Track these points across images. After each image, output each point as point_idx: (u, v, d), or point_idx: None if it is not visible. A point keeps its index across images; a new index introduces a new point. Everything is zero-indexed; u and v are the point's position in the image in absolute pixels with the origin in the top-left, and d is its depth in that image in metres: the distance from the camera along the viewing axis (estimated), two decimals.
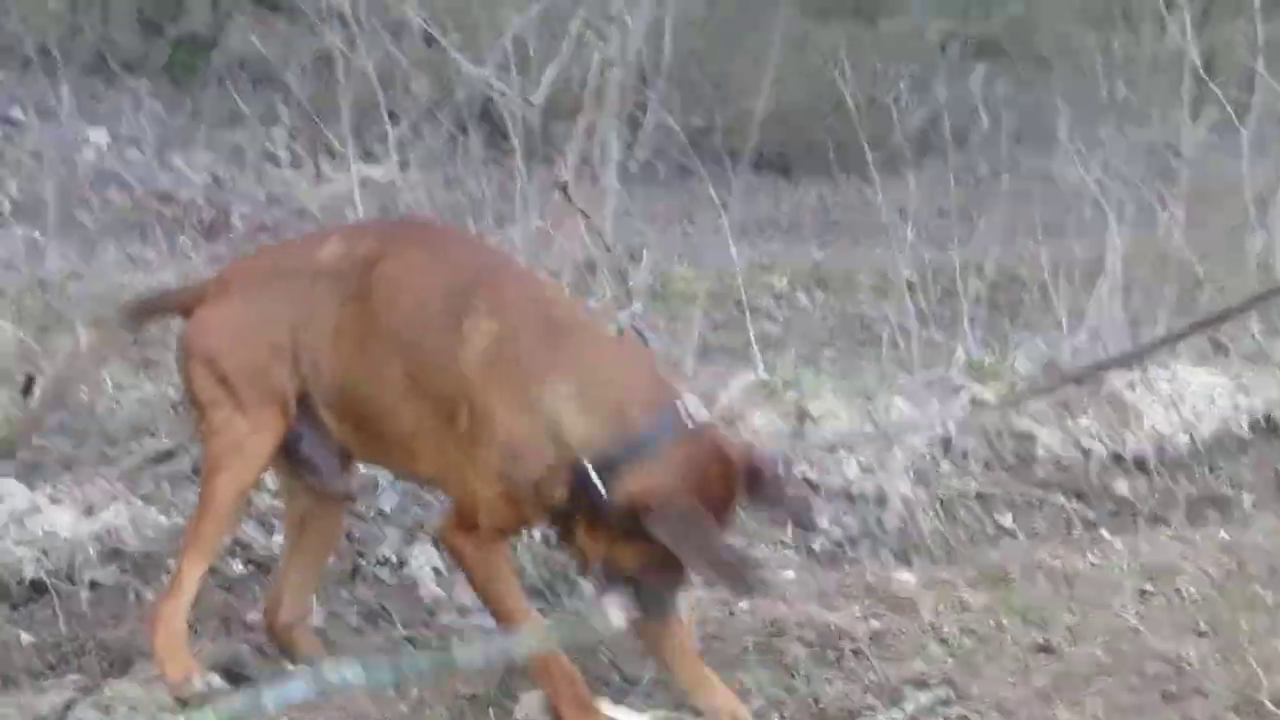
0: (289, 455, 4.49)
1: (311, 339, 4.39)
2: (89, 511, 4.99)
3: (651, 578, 4.04)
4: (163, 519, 5.06)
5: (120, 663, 4.53)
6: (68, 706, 4.19)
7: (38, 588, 4.82)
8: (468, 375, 4.15)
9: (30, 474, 5.04)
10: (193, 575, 4.39)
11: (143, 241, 7.56)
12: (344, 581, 5.07)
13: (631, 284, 5.93)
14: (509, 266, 4.60)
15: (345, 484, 4.57)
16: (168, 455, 5.34)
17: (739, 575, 4.00)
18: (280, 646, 4.62)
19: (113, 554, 4.90)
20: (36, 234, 6.67)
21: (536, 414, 4.07)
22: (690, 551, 3.95)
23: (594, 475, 4.01)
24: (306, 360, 4.39)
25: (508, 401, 4.10)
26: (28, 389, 5.21)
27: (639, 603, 4.06)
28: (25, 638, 4.71)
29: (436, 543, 5.21)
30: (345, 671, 3.84)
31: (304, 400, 4.41)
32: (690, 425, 4.07)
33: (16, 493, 4.94)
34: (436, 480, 4.45)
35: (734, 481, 4.07)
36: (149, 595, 4.92)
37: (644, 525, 3.94)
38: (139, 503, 5.06)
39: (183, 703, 4.18)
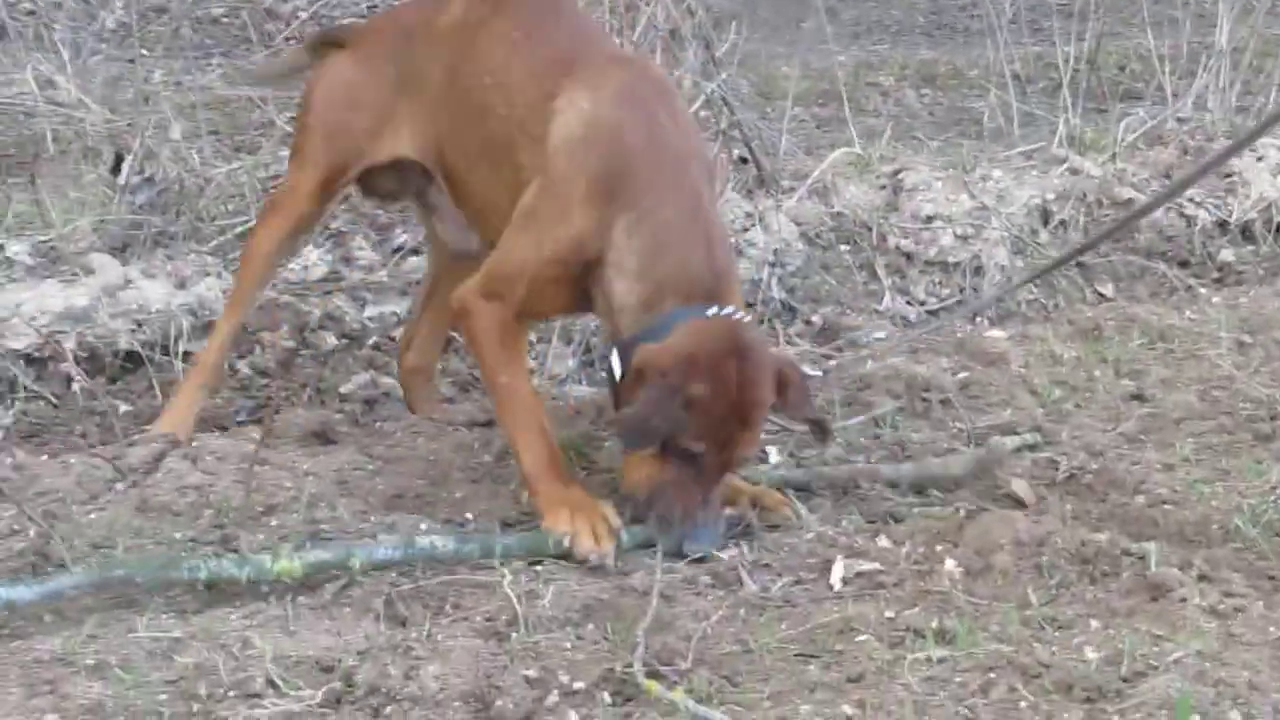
0: (420, 201, 4.61)
1: (418, 100, 4.40)
2: (181, 285, 5.06)
3: (671, 492, 3.90)
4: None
5: (210, 428, 4.61)
6: (158, 458, 4.27)
7: (133, 359, 4.90)
8: (551, 151, 4.07)
9: (123, 249, 5.10)
10: (222, 327, 4.57)
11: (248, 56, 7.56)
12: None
13: (719, 53, 5.86)
14: (609, 48, 4.53)
15: (467, 240, 4.56)
16: None
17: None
18: (402, 387, 4.83)
19: (205, 326, 4.95)
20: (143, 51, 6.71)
21: (595, 237, 3.99)
22: (691, 436, 3.83)
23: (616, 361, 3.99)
24: (410, 119, 4.42)
25: (577, 204, 4.00)
26: (116, 167, 5.28)
27: (655, 527, 3.92)
28: (123, 407, 4.81)
29: None
30: (436, 540, 3.87)
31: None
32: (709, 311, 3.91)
33: (110, 267, 5.01)
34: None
35: (753, 378, 3.88)
36: (241, 365, 4.99)
37: (647, 413, 3.81)
38: (229, 276, 5.11)
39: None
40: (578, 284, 4.06)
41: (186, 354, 4.90)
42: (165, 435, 4.37)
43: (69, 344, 4.80)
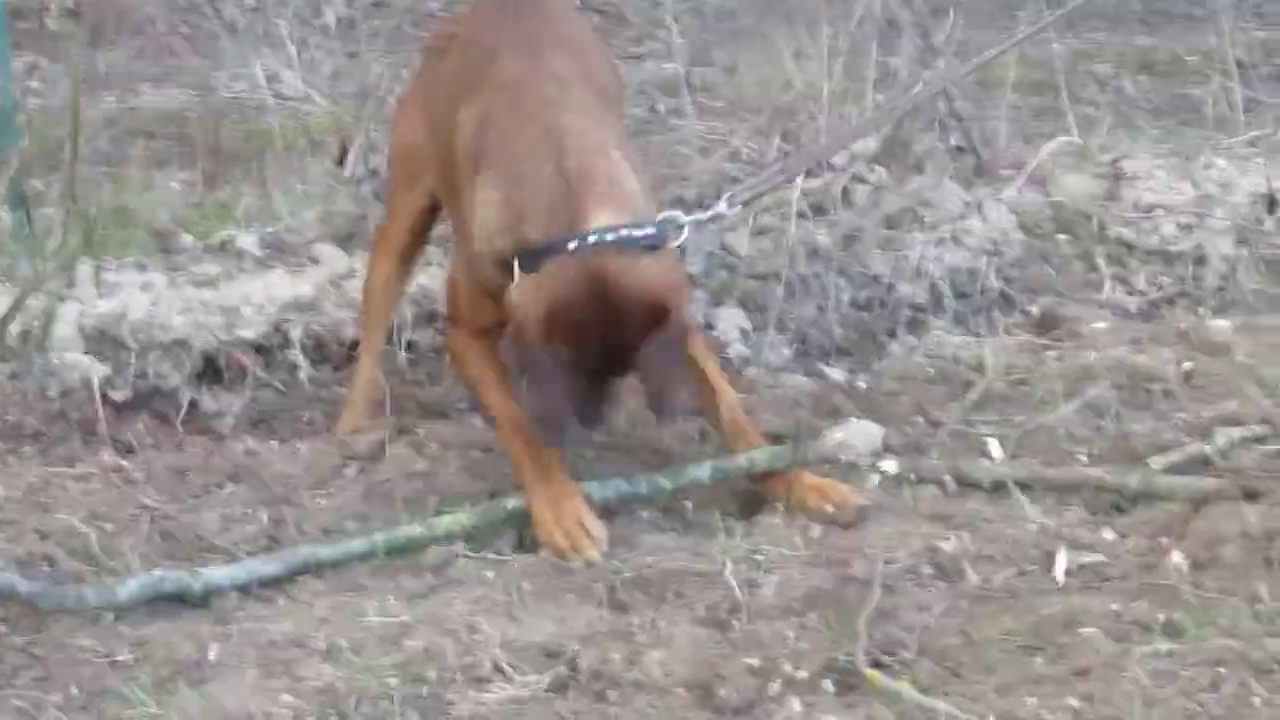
0: None
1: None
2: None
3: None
4: None
5: (433, 414, 4.68)
6: (383, 444, 4.35)
7: (357, 348, 4.98)
8: (457, 164, 4.06)
9: (348, 239, 5.20)
10: (365, 360, 4.64)
11: None
12: None
13: (936, 42, 5.82)
14: (530, 42, 4.23)
15: None
16: None
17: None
18: None
19: (428, 316, 5.04)
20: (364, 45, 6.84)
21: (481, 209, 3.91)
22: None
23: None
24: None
25: (470, 194, 3.96)
26: (341, 159, 5.39)
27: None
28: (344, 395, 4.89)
29: (743, 304, 5.24)
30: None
31: None
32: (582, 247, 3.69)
33: (335, 257, 5.11)
34: None
35: (608, 315, 3.69)
36: None
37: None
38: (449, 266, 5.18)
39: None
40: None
41: (410, 343, 4.98)
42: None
43: (296, 333, 4.91)
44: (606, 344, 3.73)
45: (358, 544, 3.86)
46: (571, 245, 3.70)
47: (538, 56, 4.12)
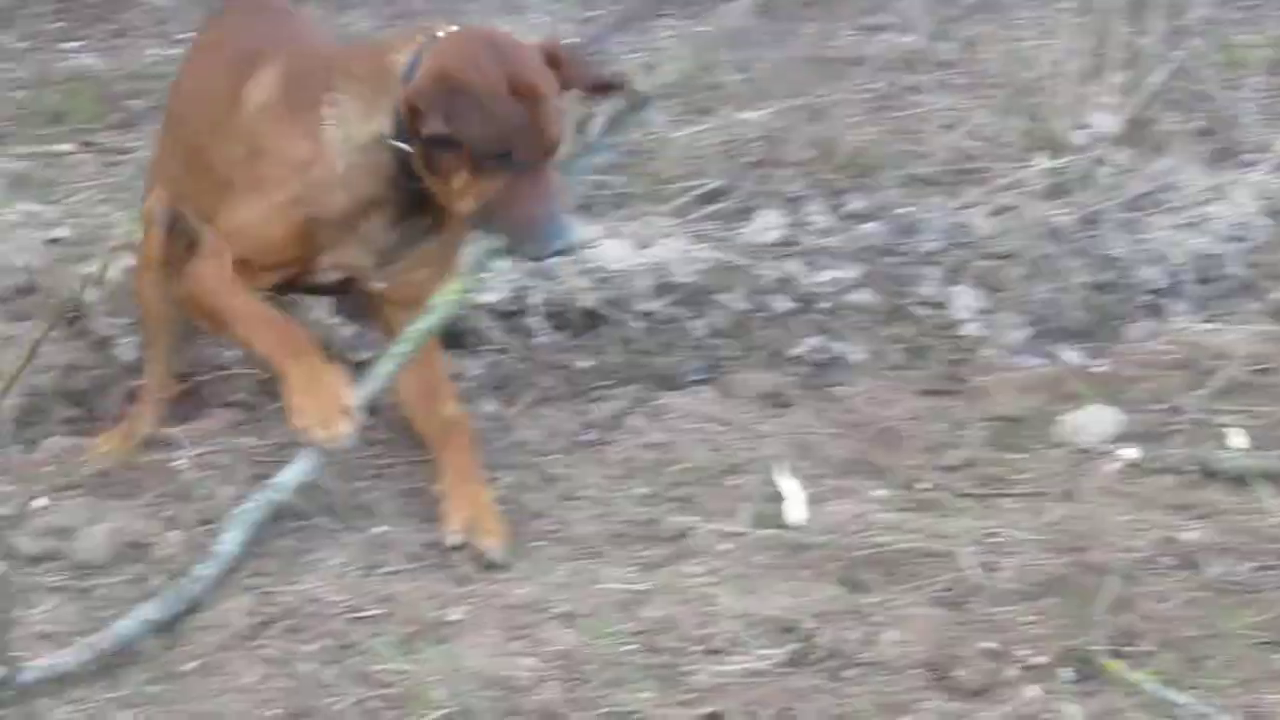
0: None
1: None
2: (642, 246, 5.18)
3: (509, 206, 3.71)
4: (710, 254, 5.21)
5: (666, 383, 4.71)
6: (620, 415, 4.40)
7: (594, 317, 5.03)
8: (248, 125, 3.99)
9: (588, 210, 5.25)
10: (150, 378, 4.46)
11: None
12: (885, 320, 5.10)
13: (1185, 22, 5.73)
14: (300, 36, 4.31)
15: None
16: (717, 194, 5.50)
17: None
18: None
19: (664, 287, 5.06)
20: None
21: (323, 132, 3.85)
22: (475, 126, 3.64)
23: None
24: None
25: (292, 132, 3.89)
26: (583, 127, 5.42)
27: (515, 244, 3.77)
28: (582, 363, 4.95)
29: (979, 283, 5.20)
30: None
31: None
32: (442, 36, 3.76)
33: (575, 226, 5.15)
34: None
35: (512, 55, 3.71)
36: (696, 326, 5.08)
37: (429, 131, 3.65)
38: (689, 238, 5.22)
39: None
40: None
41: (646, 313, 5.01)
42: None
43: (536, 300, 4.97)
44: (510, 71, 3.71)
45: None
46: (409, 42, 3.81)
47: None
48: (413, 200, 3.85)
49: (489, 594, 3.64)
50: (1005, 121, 5.61)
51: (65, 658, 3.35)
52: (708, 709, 3.27)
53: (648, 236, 5.21)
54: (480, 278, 3.92)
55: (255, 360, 4.11)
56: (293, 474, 3.71)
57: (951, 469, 4.21)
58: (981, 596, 3.61)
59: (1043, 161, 5.33)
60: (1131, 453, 4.19)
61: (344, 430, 3.70)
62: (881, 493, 4.09)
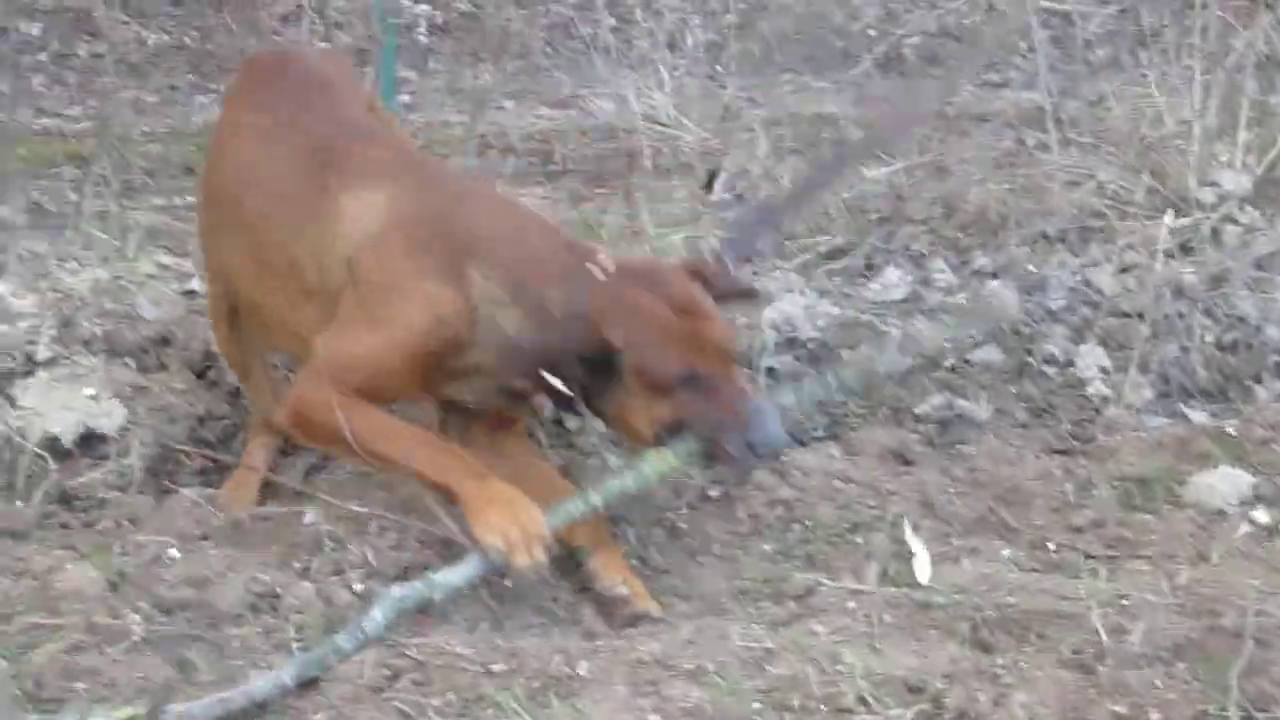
0: None
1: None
2: (767, 301, 5.20)
3: (699, 421, 3.77)
4: (835, 310, 5.22)
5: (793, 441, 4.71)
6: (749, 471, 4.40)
7: None
8: (363, 254, 3.98)
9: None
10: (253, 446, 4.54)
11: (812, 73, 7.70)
12: (1011, 378, 5.09)
13: None
14: (363, 122, 4.38)
15: None
16: (840, 251, 5.51)
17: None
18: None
19: (788, 342, 5.09)
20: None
21: (457, 293, 3.90)
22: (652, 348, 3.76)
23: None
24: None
25: (431, 279, 3.92)
26: (709, 183, 5.47)
27: (709, 454, 3.80)
28: None
29: (1104, 342, 5.17)
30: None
31: None
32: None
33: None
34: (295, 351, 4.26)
35: (669, 282, 3.87)
36: None
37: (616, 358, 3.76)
38: (813, 294, 5.23)
39: None
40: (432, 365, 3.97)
41: (770, 369, 5.02)
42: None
43: None
44: (674, 298, 3.85)
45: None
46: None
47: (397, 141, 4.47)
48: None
49: (616, 649, 3.64)
50: (1132, 179, 5.58)
51: (196, 710, 3.38)
52: None
53: (772, 292, 5.23)
54: (688, 462, 3.89)
55: (397, 475, 4.06)
56: (458, 577, 3.72)
57: (1079, 530, 4.19)
58: (1111, 660, 3.57)
59: (1170, 220, 5.30)
60: (1263, 516, 4.15)
61: (541, 559, 3.74)
62: (1009, 552, 4.07)
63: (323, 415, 3.91)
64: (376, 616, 3.58)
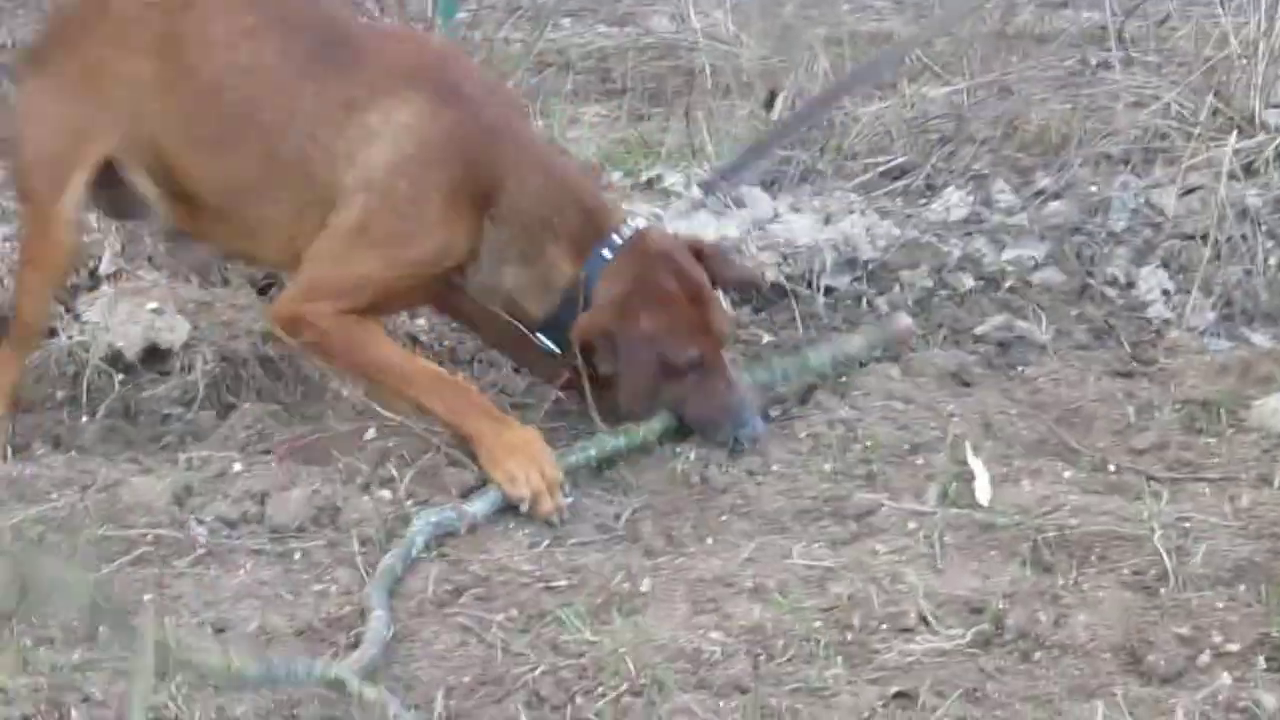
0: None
1: (120, 114, 4.11)
2: (827, 220, 5.18)
3: (691, 401, 4.00)
4: (895, 230, 5.20)
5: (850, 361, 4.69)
6: (806, 391, 4.40)
7: (778, 291, 5.04)
8: (381, 172, 3.94)
9: (772, 184, 5.26)
10: (15, 359, 4.29)
11: None
12: (1072, 300, 5.06)
13: None
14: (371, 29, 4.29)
15: (203, 259, 4.46)
16: (902, 171, 5.49)
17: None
18: None
19: (848, 262, 5.07)
20: None
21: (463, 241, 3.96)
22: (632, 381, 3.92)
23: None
24: (119, 138, 4.13)
25: (434, 219, 3.94)
26: (770, 103, 5.45)
27: (703, 434, 4.04)
28: (766, 336, 4.95)
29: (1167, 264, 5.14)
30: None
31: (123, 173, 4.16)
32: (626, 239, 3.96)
33: (760, 201, 5.18)
34: (287, 263, 4.13)
35: (683, 271, 3.99)
36: (880, 303, 5.06)
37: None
38: (874, 214, 5.21)
39: None
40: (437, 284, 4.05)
41: (828, 289, 5.01)
42: None
43: None
44: (687, 289, 4.00)
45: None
46: (605, 253, 3.98)
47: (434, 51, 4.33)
48: None
49: (677, 567, 3.66)
50: (1196, 100, 5.53)
51: None
52: (896, 687, 3.26)
53: (832, 212, 5.21)
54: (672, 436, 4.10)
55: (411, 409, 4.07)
56: (485, 505, 3.81)
57: (1141, 452, 4.17)
58: (1173, 581, 3.56)
59: (1234, 141, 5.25)
60: None
61: (563, 504, 3.83)
62: (1070, 474, 4.05)
63: (322, 329, 3.95)
64: (418, 541, 3.62)
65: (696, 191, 4.15)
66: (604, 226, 4.01)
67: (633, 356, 3.92)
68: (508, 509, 3.82)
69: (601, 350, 3.94)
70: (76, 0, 4.34)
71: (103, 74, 4.09)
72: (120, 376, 4.41)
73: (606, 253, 3.97)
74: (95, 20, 4.15)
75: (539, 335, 4.03)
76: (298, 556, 3.68)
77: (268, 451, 4.06)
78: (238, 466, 3.95)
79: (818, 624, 3.45)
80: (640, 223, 4.09)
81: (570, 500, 3.85)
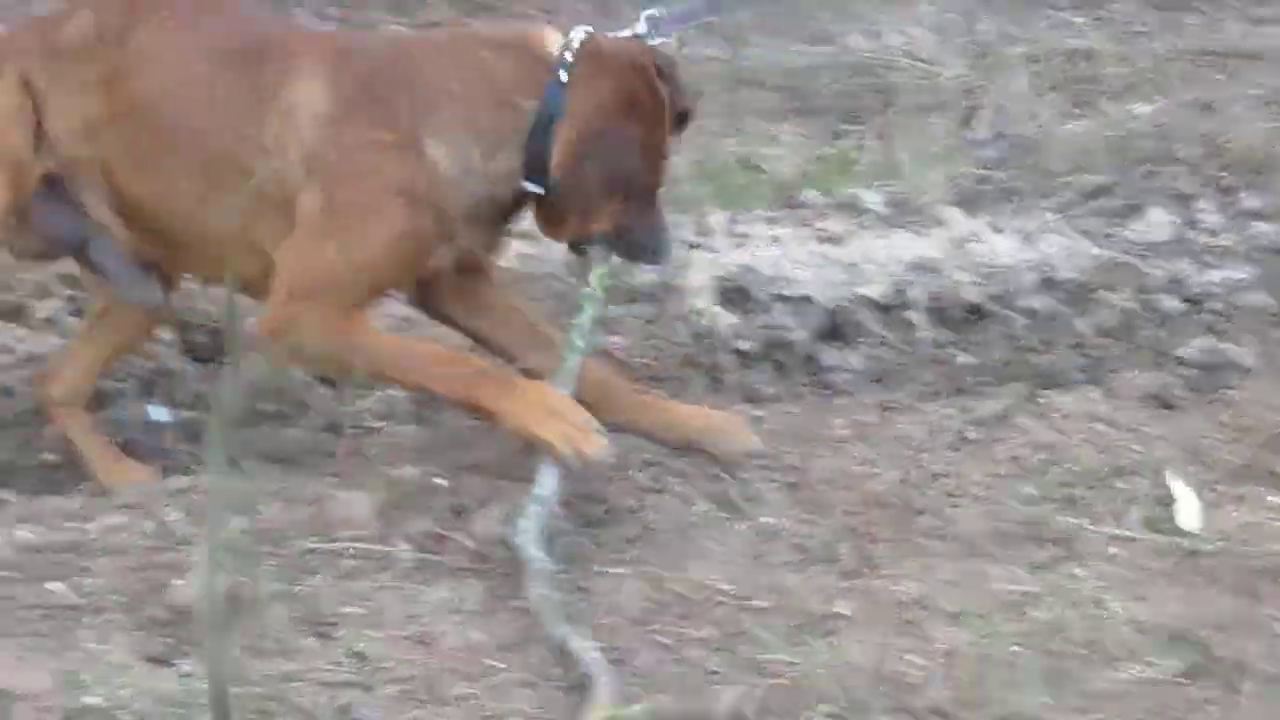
0: (77, 258, 4.26)
1: (69, 140, 4.06)
2: (1027, 240, 5.13)
3: (631, 227, 3.88)
4: (1095, 251, 5.14)
5: (1049, 382, 4.66)
6: (1005, 412, 4.36)
7: (976, 311, 5.00)
8: (311, 147, 3.84)
9: (971, 203, 5.22)
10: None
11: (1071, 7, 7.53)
12: (1278, 322, 4.96)
13: None
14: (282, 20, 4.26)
15: (152, 294, 4.24)
16: (1103, 190, 5.42)
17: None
18: (55, 421, 4.35)
19: (1047, 282, 5.02)
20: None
21: (435, 152, 3.82)
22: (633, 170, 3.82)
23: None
24: (67, 161, 4.07)
25: (393, 158, 3.81)
26: (968, 121, 5.41)
27: (629, 254, 3.97)
28: (963, 357, 4.92)
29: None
30: None
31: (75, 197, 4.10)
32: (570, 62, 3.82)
33: (958, 220, 5.14)
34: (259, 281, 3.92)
35: (648, 79, 3.87)
36: (1080, 324, 5.00)
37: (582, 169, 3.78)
38: (1074, 234, 5.15)
39: None
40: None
41: (1029, 309, 4.96)
42: None
43: (917, 293, 4.96)
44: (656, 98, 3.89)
45: None
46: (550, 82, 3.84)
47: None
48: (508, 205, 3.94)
49: (875, 589, 3.64)
50: None
51: None
52: (1102, 716, 3.22)
53: (1032, 231, 5.17)
54: (614, 265, 4.04)
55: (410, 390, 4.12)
56: (549, 485, 3.74)
57: None
58: None
59: None
60: None
61: (604, 441, 3.76)
62: (1277, 500, 3.98)
63: (317, 337, 3.86)
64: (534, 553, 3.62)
65: (643, 25, 4.03)
66: (542, 59, 3.87)
67: (607, 159, 3.81)
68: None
69: (580, 157, 3.81)
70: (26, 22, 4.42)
71: (61, 114, 4.07)
72: (327, 391, 4.47)
73: (562, 75, 3.84)
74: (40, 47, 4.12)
75: (528, 185, 3.87)
76: (499, 572, 3.71)
77: (473, 467, 4.08)
78: (439, 482, 3.99)
79: (1017, 649, 3.42)
80: (581, 34, 3.92)
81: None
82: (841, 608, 3.57)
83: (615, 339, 4.76)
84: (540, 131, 3.81)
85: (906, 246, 5.04)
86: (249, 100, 3.93)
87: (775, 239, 5.04)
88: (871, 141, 5.67)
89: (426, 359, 3.88)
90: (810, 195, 5.34)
